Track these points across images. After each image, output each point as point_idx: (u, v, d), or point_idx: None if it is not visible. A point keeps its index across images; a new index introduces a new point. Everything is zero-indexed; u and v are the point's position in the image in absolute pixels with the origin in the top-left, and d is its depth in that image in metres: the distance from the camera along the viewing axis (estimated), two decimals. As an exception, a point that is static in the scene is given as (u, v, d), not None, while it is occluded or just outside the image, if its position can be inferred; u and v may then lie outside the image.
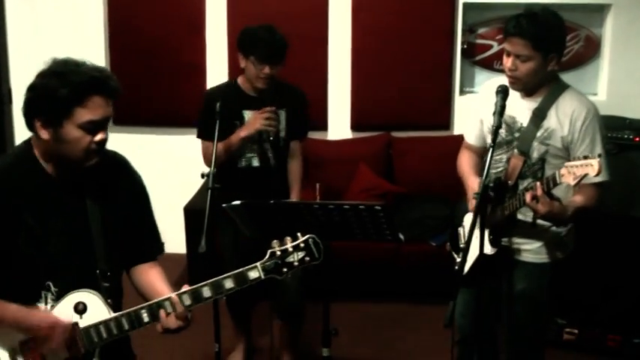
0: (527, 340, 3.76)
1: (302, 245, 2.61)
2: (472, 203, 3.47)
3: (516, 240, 3.56)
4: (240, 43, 4.23)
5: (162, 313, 2.52)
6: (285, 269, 2.59)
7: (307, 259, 2.61)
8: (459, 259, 3.66)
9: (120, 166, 2.78)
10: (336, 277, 3.80)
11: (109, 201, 2.66)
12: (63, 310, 2.52)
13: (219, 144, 4.05)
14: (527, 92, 3.44)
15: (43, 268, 2.53)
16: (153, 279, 2.78)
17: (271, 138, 4.28)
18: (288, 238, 2.61)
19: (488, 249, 3.45)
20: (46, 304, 2.55)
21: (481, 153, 3.77)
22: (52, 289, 2.55)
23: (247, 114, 4.28)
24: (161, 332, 2.56)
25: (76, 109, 2.41)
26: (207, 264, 3.44)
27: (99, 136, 2.48)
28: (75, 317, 2.51)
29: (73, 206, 2.60)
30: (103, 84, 2.45)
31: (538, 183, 3.19)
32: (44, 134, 2.46)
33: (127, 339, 2.78)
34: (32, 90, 2.46)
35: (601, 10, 6.42)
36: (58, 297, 2.55)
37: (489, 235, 3.45)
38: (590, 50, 6.52)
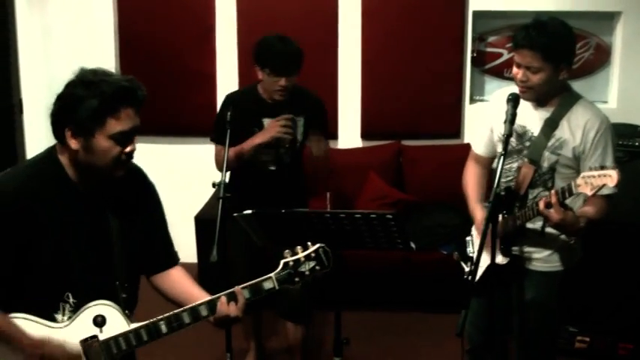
0: (539, 348, 3.74)
1: (313, 255, 2.65)
2: (478, 231, 3.49)
3: (526, 249, 3.55)
4: (255, 55, 4.20)
5: (222, 300, 2.58)
6: (297, 279, 2.64)
7: (318, 268, 2.66)
8: (467, 269, 3.66)
9: (138, 177, 2.79)
10: (347, 286, 3.79)
11: (128, 212, 2.67)
12: (82, 323, 2.52)
13: (232, 149, 4.08)
14: (539, 102, 3.43)
15: (64, 278, 2.53)
16: (181, 282, 2.82)
17: (287, 145, 4.27)
18: (299, 248, 2.66)
19: (500, 258, 3.44)
20: (63, 315, 2.54)
21: (488, 164, 3.77)
22: (71, 300, 2.54)
23: (266, 122, 4.25)
24: (213, 323, 2.63)
25: (108, 119, 2.42)
26: (219, 274, 3.45)
27: (129, 148, 2.50)
28: (94, 330, 2.52)
29: (95, 216, 2.60)
30: (133, 94, 2.49)
31: (553, 191, 3.18)
32: (74, 144, 2.45)
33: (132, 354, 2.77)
34: (62, 99, 2.46)
35: (611, 17, 6.41)
36: (77, 308, 2.54)
37: (500, 244, 3.44)
38: (601, 58, 6.50)
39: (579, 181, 3.05)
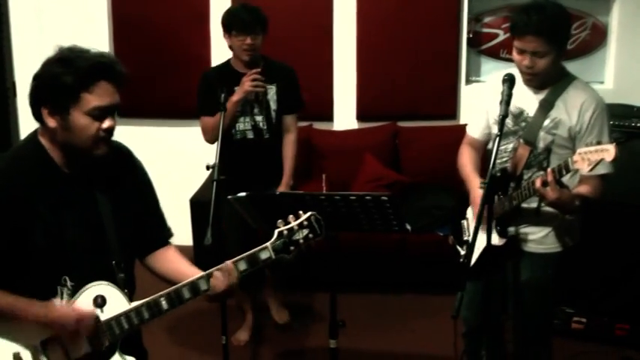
0: (535, 329, 3.74)
1: (305, 223, 2.69)
2: (474, 203, 3.48)
3: (522, 229, 3.55)
4: (223, 23, 4.52)
5: (215, 274, 2.60)
6: (292, 247, 2.66)
7: (311, 235, 2.69)
8: (463, 252, 3.65)
9: (124, 155, 2.77)
10: (342, 269, 3.78)
11: (117, 191, 2.66)
12: (82, 305, 2.51)
13: (216, 116, 4.29)
14: (539, 86, 3.42)
15: (59, 261, 2.52)
16: (175, 260, 2.83)
17: (260, 98, 4.55)
18: (292, 217, 2.69)
19: (497, 240, 3.43)
20: (62, 299, 2.53)
21: (483, 147, 3.78)
22: (68, 283, 2.53)
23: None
24: (207, 298, 2.65)
25: (82, 94, 2.39)
26: (214, 256, 3.43)
27: (106, 124, 2.46)
28: (95, 311, 2.51)
29: (84, 197, 2.59)
30: (109, 69, 2.45)
31: (550, 169, 3.18)
32: (51, 122, 2.43)
33: (139, 335, 2.78)
34: (38, 78, 2.45)
35: (607, -3, 6.39)
36: (74, 292, 2.53)
37: (496, 225, 3.44)
38: (597, 38, 6.48)
39: (576, 157, 3.05)
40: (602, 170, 3.18)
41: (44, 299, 2.50)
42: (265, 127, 4.59)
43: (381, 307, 5.54)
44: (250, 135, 4.57)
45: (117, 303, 2.55)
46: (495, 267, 3.51)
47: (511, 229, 3.51)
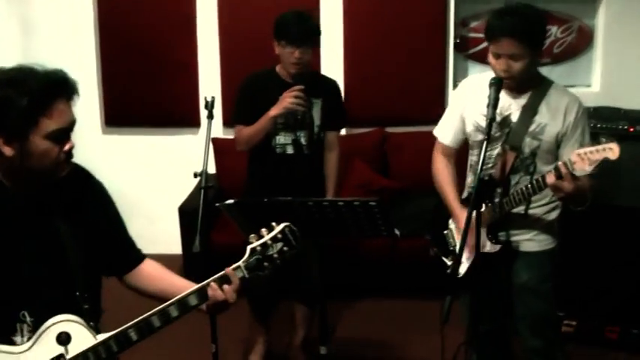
0: (544, 331, 3.73)
1: (279, 236, 2.49)
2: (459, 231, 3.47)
3: (512, 232, 3.55)
4: (274, 29, 4.31)
5: (212, 285, 2.45)
6: (266, 264, 2.48)
7: (286, 249, 2.49)
8: (449, 262, 3.64)
9: (83, 178, 2.60)
10: (332, 275, 3.78)
11: (79, 217, 2.50)
12: (45, 344, 2.37)
13: (251, 127, 4.28)
14: (516, 89, 3.42)
15: (17, 295, 2.38)
16: (162, 274, 2.71)
17: (299, 117, 4.34)
18: (264, 230, 2.50)
19: (490, 247, 3.44)
20: (22, 336, 2.39)
21: (455, 155, 3.78)
22: (28, 319, 2.39)
23: None
24: (206, 312, 2.53)
25: (40, 118, 2.23)
26: (203, 264, 3.42)
27: (67, 146, 2.33)
28: (59, 349, 2.37)
29: (43, 226, 2.43)
30: (62, 85, 2.30)
31: (560, 163, 3.14)
32: (8, 151, 2.26)
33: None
34: None
35: (593, 0, 6.41)
36: (35, 328, 2.38)
37: (488, 234, 3.44)
38: (583, 41, 6.50)
39: (574, 157, 3.04)
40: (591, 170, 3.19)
41: (3, 337, 2.38)
42: (306, 143, 4.42)
43: (370, 312, 5.53)
44: (290, 150, 4.40)
45: (82, 338, 2.39)
46: (491, 272, 3.50)
47: (502, 234, 3.51)
